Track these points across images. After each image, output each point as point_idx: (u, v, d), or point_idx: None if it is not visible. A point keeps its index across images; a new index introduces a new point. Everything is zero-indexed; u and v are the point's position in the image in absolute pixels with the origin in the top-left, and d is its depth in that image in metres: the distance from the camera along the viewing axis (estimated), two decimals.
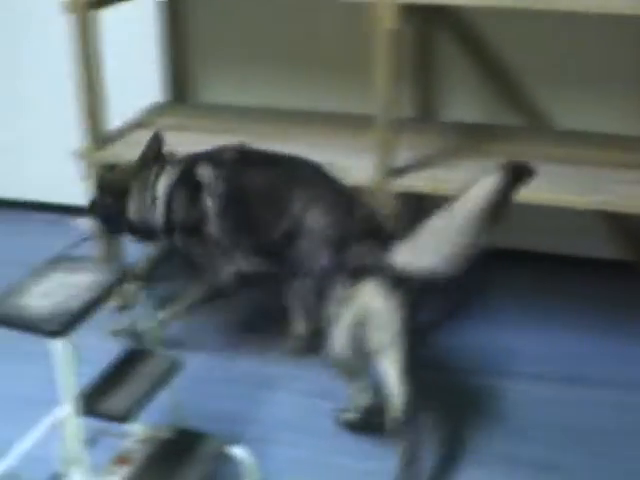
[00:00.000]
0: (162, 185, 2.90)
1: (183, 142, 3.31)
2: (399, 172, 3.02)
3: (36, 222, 4.25)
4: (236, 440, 2.50)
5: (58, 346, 2.18)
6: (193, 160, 2.90)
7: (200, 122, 3.56)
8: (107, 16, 3.22)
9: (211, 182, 2.82)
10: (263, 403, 2.98)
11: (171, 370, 2.44)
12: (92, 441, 2.42)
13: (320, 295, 2.58)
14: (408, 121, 3.31)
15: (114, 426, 2.62)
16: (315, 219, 2.70)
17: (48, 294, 2.30)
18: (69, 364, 2.21)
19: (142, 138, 3.37)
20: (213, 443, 2.43)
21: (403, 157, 3.07)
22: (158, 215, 2.91)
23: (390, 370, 2.49)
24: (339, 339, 2.51)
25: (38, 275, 2.40)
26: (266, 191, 2.80)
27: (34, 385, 3.08)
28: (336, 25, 3.56)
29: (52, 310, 2.22)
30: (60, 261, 2.51)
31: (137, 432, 2.61)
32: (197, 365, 2.77)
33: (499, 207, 2.26)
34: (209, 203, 2.81)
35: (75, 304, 2.25)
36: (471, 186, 2.29)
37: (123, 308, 3.39)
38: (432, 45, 3.55)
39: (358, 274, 2.47)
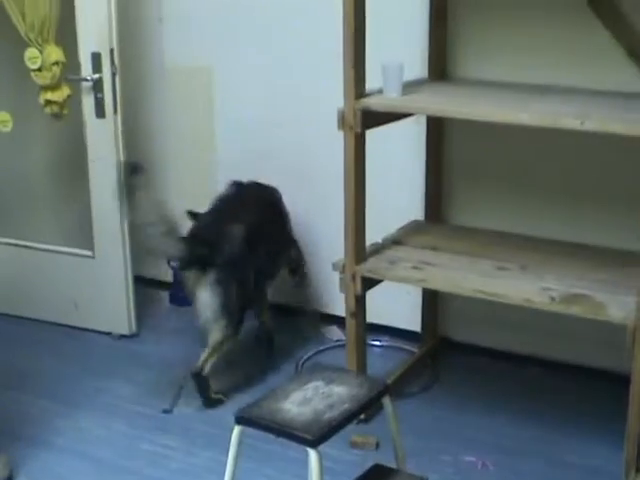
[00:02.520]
0: None
1: (435, 262, 3.42)
2: None
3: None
4: None
5: (312, 454, 2.23)
6: None
7: (453, 244, 3.59)
8: (373, 135, 3.35)
9: None
10: None
11: None
12: None
13: None
14: None
15: None
16: None
17: (307, 402, 2.36)
18: (320, 472, 2.25)
19: (398, 255, 3.50)
20: None
21: None
22: None
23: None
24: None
25: (298, 381, 2.48)
26: None
27: None
28: (603, 155, 3.54)
29: (312, 419, 2.28)
30: (318, 369, 2.58)
31: None
32: None
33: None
34: None
35: (333, 415, 2.30)
36: None
37: None
38: None
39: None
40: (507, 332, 3.91)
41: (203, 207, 3.88)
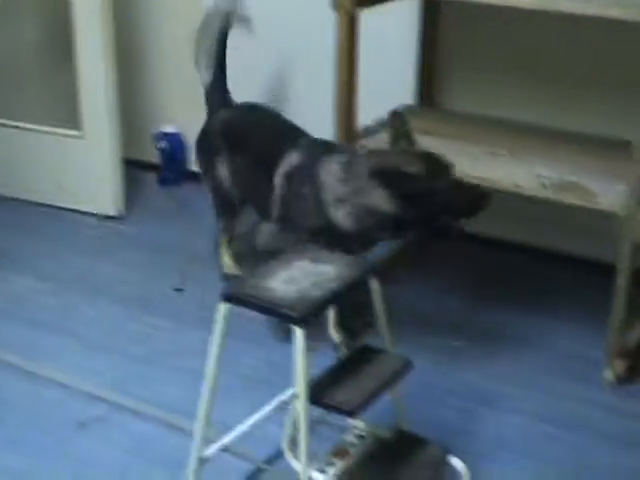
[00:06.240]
0: None
1: (426, 145, 3.34)
2: None
3: None
4: (451, 451, 2.48)
5: (299, 333, 2.22)
6: None
7: (445, 128, 3.55)
8: (367, 16, 3.28)
9: None
10: (482, 418, 2.94)
11: (402, 370, 2.44)
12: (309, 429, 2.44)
13: None
14: None
15: (333, 417, 2.67)
16: None
17: (293, 280, 2.35)
18: (304, 350, 2.24)
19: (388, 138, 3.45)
20: (434, 450, 2.41)
21: None
22: None
23: None
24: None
25: (284, 261, 2.46)
26: None
27: (255, 365, 3.18)
28: (598, 42, 3.48)
29: (297, 297, 2.27)
30: (304, 249, 2.56)
31: (357, 427, 2.63)
32: (420, 371, 2.75)
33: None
34: None
35: (319, 293, 2.28)
36: None
37: None
38: None
39: None
40: (497, 220, 3.87)
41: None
